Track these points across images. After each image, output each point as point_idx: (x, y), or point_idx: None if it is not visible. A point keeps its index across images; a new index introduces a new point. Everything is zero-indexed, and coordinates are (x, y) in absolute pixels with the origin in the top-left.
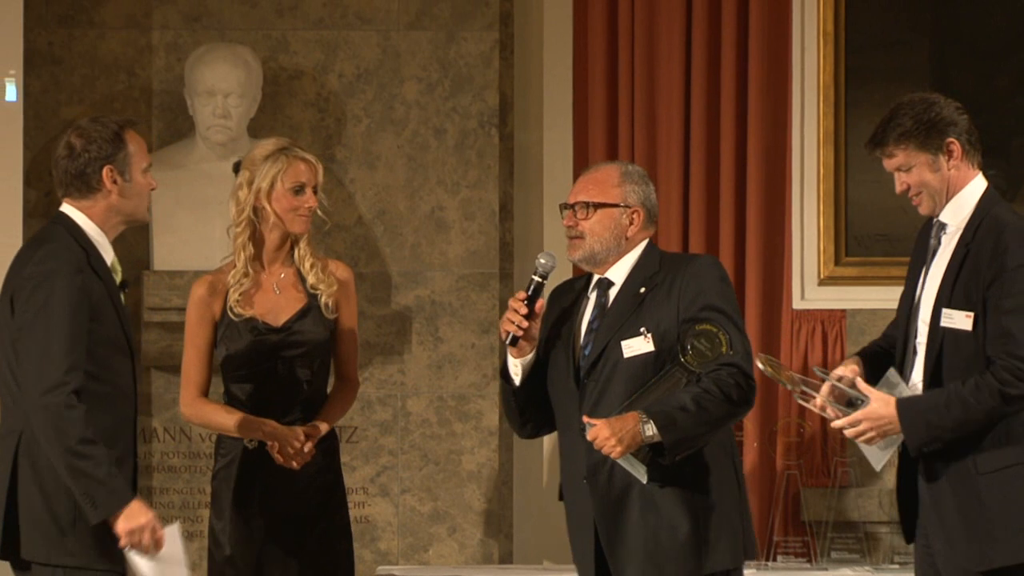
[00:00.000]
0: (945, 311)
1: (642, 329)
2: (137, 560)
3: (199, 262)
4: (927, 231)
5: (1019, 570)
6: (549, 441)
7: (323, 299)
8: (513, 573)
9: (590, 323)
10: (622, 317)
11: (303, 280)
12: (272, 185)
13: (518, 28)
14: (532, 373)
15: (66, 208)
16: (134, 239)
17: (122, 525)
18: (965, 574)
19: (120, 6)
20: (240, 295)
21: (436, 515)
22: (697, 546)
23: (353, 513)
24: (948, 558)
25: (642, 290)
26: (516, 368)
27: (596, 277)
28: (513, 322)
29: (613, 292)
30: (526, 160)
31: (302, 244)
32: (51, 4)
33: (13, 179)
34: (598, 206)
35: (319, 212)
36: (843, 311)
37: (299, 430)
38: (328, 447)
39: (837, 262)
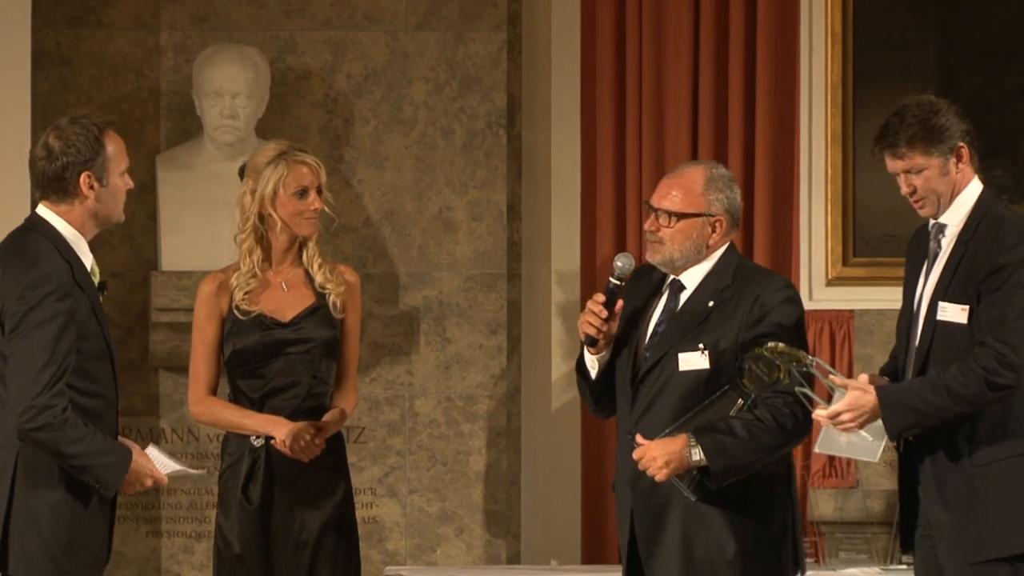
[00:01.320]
0: (941, 304)
1: (700, 344)
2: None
3: (207, 263)
4: (924, 234)
5: (1015, 561)
6: (558, 441)
7: (331, 299)
8: (521, 574)
9: (656, 326)
10: (685, 328)
11: (311, 280)
12: (275, 191)
13: (526, 28)
14: (607, 367)
15: (43, 212)
16: (142, 239)
17: (129, 489)
18: (964, 566)
19: (128, 7)
20: (246, 294)
21: (444, 515)
22: (734, 564)
23: (361, 513)
24: (948, 550)
25: (711, 304)
26: (593, 363)
27: (671, 277)
28: (593, 324)
29: (684, 296)
30: (534, 160)
31: (311, 245)
32: (59, 5)
33: (21, 180)
34: (681, 216)
35: (327, 211)
36: (851, 311)
37: (309, 424)
38: (335, 447)
39: (845, 262)
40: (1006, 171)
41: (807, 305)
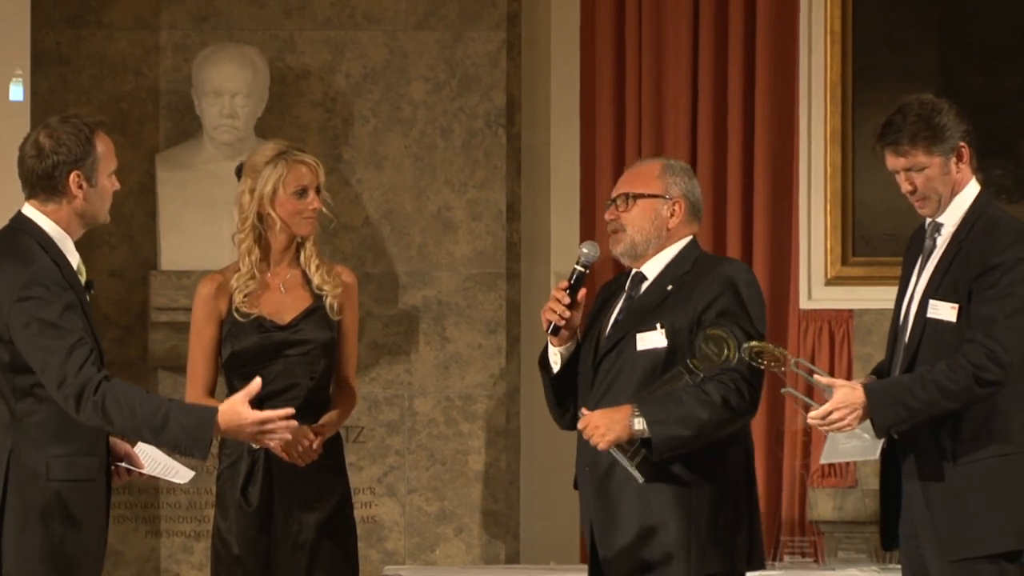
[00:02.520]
0: (932, 302)
1: (658, 324)
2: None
3: (206, 262)
4: (921, 233)
5: (1000, 559)
6: (557, 441)
7: (328, 300)
8: (520, 573)
9: (617, 314)
10: (644, 311)
11: (309, 281)
12: (275, 191)
13: (525, 28)
14: (571, 363)
15: (29, 211)
16: (141, 239)
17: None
18: (948, 564)
19: (128, 6)
20: (245, 296)
21: (443, 515)
22: (686, 548)
23: (360, 513)
24: (932, 549)
25: (669, 287)
26: (556, 357)
27: (633, 271)
28: (555, 311)
29: (644, 286)
30: (533, 160)
31: (308, 245)
32: (59, 4)
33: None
34: (638, 196)
35: (325, 211)
36: (850, 311)
37: (308, 428)
38: (333, 448)
39: (844, 262)
40: (1006, 171)
41: (805, 305)
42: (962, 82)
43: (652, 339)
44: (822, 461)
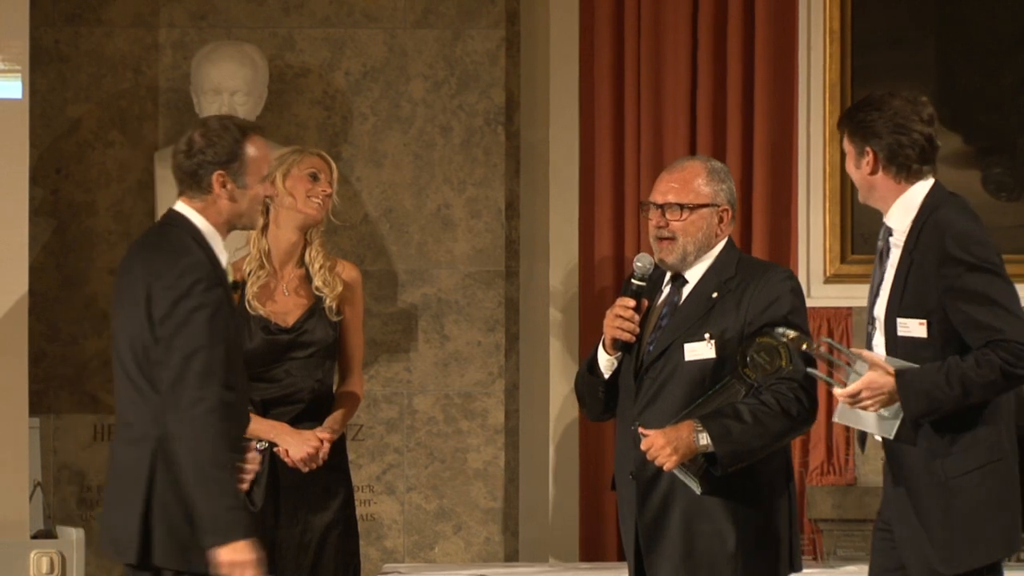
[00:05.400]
0: (900, 321)
1: (706, 334)
2: None
3: None
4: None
5: (988, 571)
6: (556, 439)
7: (327, 302)
8: (519, 571)
9: (659, 319)
10: (690, 319)
11: (311, 281)
12: (288, 171)
13: (524, 26)
14: (618, 368)
15: (180, 207)
16: None
17: (226, 555)
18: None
19: (127, 4)
20: (259, 288)
21: (442, 513)
22: (736, 557)
23: (359, 511)
24: (918, 560)
25: (715, 295)
26: (610, 365)
27: (669, 273)
28: (626, 330)
29: (686, 290)
30: (532, 158)
31: (315, 245)
32: (58, 2)
33: (19, 177)
34: (694, 208)
35: (331, 217)
36: (849, 309)
37: (313, 433)
38: (337, 448)
39: (843, 260)
40: (1004, 168)
41: (806, 302)
42: (960, 80)
43: (700, 350)
44: (835, 419)
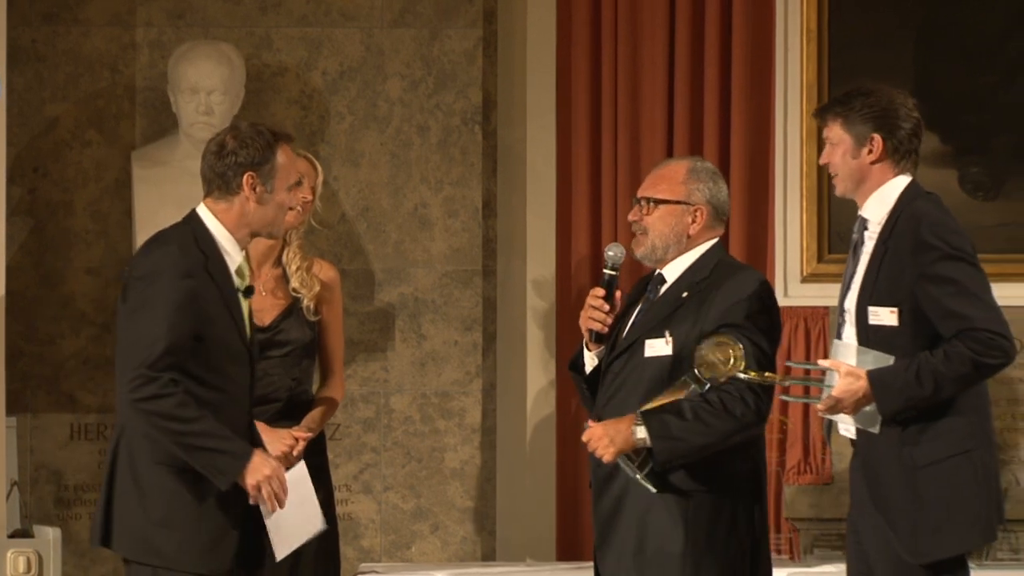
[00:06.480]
0: (871, 309)
1: (666, 332)
2: (270, 522)
3: None
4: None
5: (956, 562)
6: (533, 438)
7: (305, 302)
8: (496, 570)
9: (635, 317)
10: (657, 317)
11: (288, 281)
12: None
13: (502, 25)
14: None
15: (200, 209)
16: (118, 236)
17: (248, 480)
18: (902, 567)
19: (104, 3)
20: None
21: (419, 512)
22: (685, 556)
23: (336, 510)
24: (882, 550)
25: (685, 294)
26: (591, 360)
27: (656, 272)
28: (597, 319)
29: (663, 289)
30: (509, 157)
31: (293, 246)
32: (35, 2)
33: None
34: (659, 202)
35: (312, 222)
36: (826, 308)
37: (288, 432)
38: (317, 448)
39: (820, 259)
40: (982, 168)
41: (783, 302)
42: (939, 80)
43: (659, 347)
44: (820, 413)
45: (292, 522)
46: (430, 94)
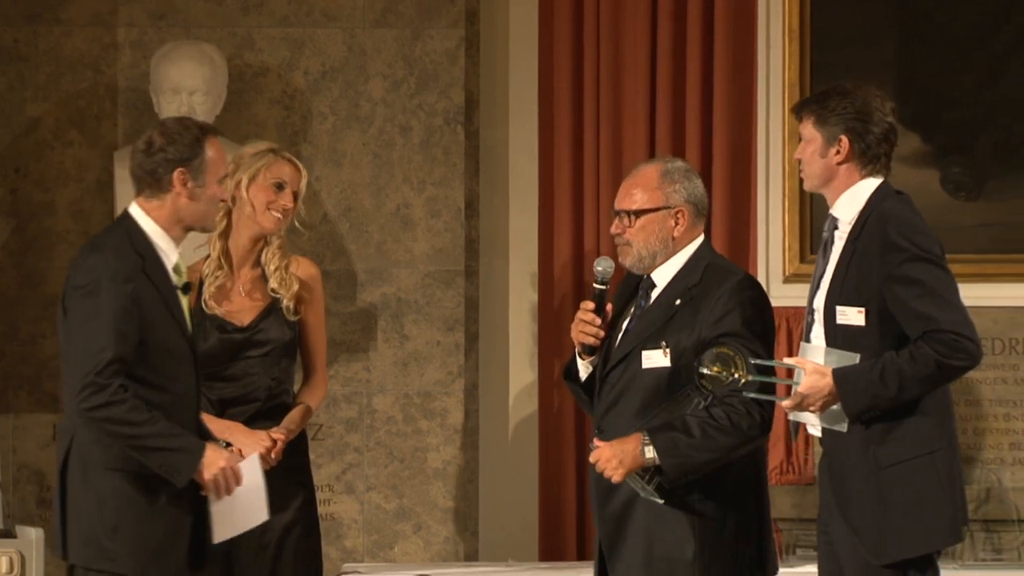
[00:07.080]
0: (839, 308)
1: (663, 343)
2: (216, 507)
3: None
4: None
5: (920, 562)
6: (515, 439)
7: (284, 302)
8: (478, 570)
9: (627, 323)
10: (651, 326)
11: (267, 281)
12: (254, 177)
13: (484, 26)
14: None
15: (132, 209)
16: None
17: (205, 475)
18: (869, 568)
19: (86, 4)
20: (216, 288)
21: (401, 512)
22: (694, 564)
23: (318, 510)
24: (851, 552)
25: (677, 302)
26: (587, 367)
27: (645, 276)
28: (589, 334)
29: (654, 295)
30: (492, 157)
31: (272, 247)
32: (17, 1)
33: None
34: (640, 213)
35: (295, 222)
36: None
37: (266, 433)
38: (298, 447)
39: (802, 259)
40: (963, 167)
41: (769, 306)
42: (921, 78)
43: (656, 358)
44: (790, 417)
45: (238, 510)
46: (412, 94)
